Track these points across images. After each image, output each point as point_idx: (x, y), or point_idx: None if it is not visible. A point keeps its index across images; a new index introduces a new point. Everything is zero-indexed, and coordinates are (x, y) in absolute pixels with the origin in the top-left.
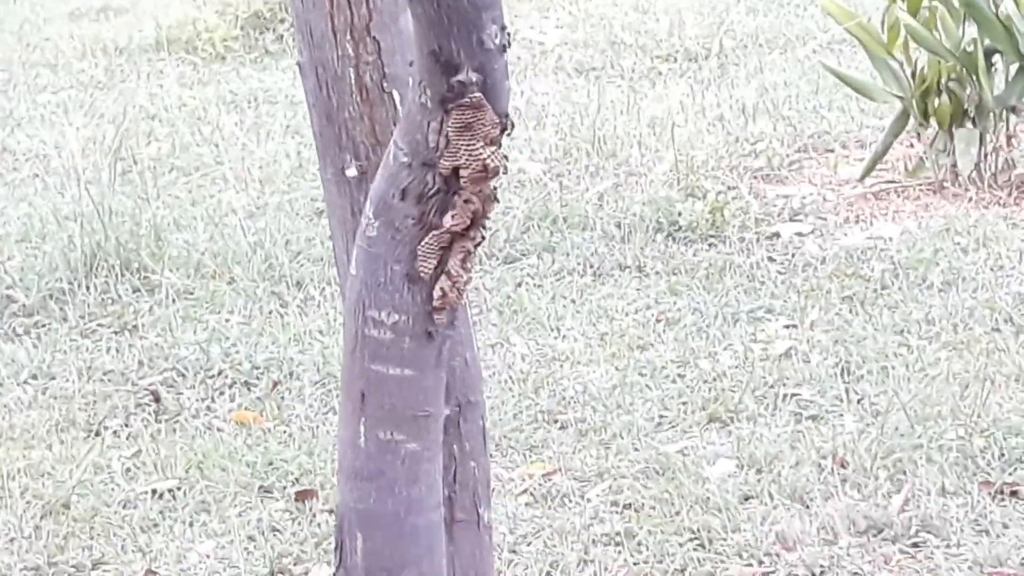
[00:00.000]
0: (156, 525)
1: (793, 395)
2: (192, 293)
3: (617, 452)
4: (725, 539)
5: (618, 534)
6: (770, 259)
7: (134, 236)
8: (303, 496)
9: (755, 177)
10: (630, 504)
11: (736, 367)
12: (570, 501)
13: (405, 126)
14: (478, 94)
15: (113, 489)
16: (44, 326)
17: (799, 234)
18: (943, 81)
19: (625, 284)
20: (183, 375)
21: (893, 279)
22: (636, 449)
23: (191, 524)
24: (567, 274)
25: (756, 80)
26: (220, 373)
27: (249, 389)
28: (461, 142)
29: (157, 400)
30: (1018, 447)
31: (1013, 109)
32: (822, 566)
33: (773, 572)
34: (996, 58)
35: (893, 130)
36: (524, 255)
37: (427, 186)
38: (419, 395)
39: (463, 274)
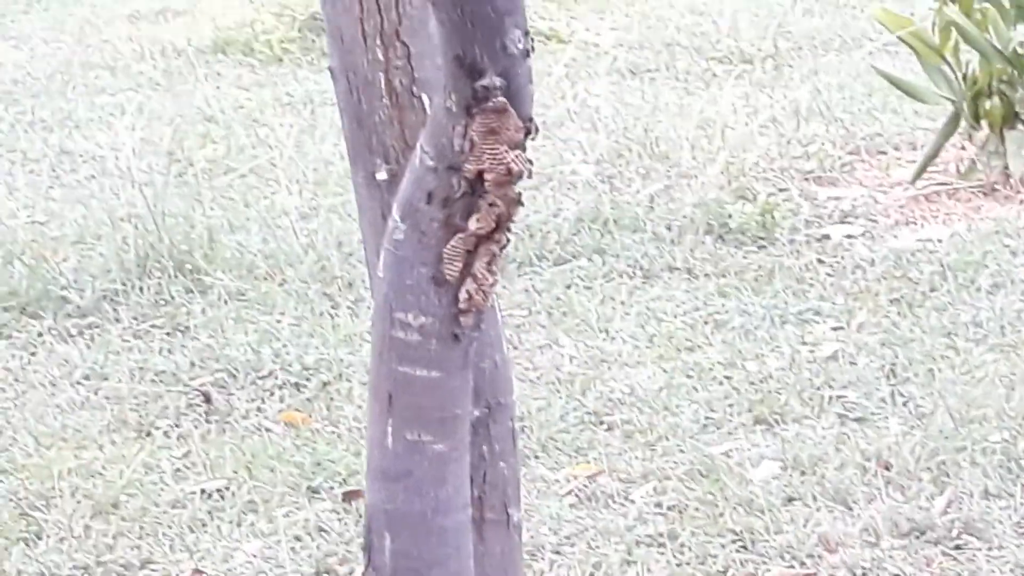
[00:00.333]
0: (204, 525)
1: (839, 397)
2: (244, 294)
3: (662, 454)
4: (767, 541)
5: (661, 535)
6: (819, 261)
7: (187, 238)
8: (350, 496)
9: (806, 179)
10: (674, 506)
11: (783, 369)
12: (614, 502)
13: (431, 130)
14: (502, 99)
15: (162, 489)
16: (97, 327)
17: (849, 236)
18: (994, 83)
19: (674, 286)
20: (234, 376)
21: (942, 281)
22: (681, 451)
23: (239, 524)
24: (617, 276)
25: (810, 82)
26: (270, 374)
27: (299, 390)
28: (485, 146)
29: (208, 401)
30: None
31: None
32: (864, 568)
33: (815, 574)
34: None
35: (944, 132)
36: (574, 257)
37: (452, 190)
38: (446, 396)
39: (489, 277)
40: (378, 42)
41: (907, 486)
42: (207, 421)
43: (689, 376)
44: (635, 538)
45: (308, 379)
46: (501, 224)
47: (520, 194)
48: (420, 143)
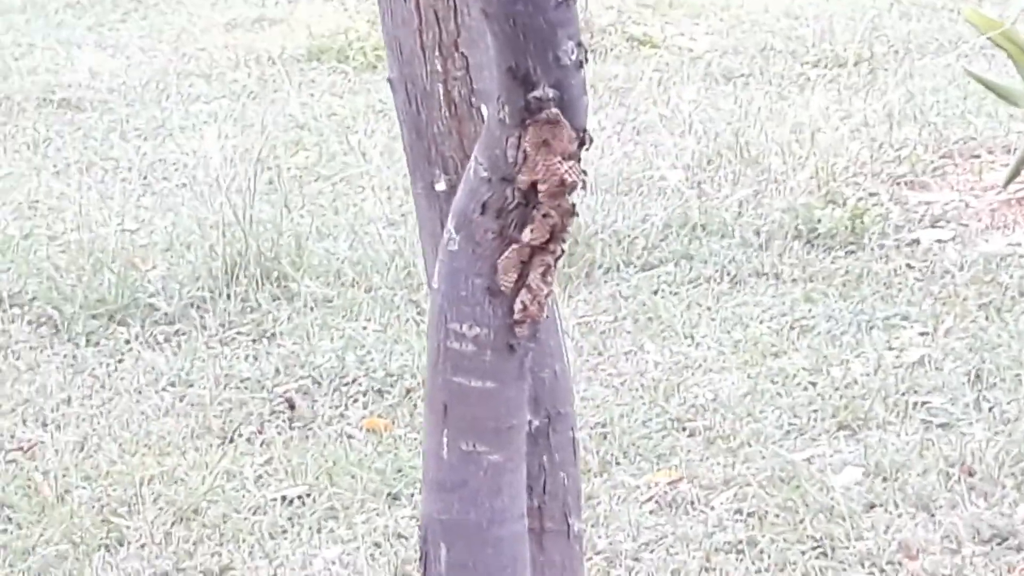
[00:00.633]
0: (284, 531)
1: (924, 403)
2: (331, 301)
3: (744, 460)
4: (848, 547)
5: (740, 542)
6: (908, 266)
7: (275, 245)
8: None
9: (897, 183)
10: (754, 512)
11: (868, 375)
12: (694, 509)
13: (485, 141)
14: (555, 110)
15: (244, 495)
16: (184, 334)
17: (939, 241)
18: None
19: (761, 291)
20: (318, 383)
21: None
22: (763, 457)
23: (319, 530)
24: (704, 281)
25: (904, 86)
26: (354, 381)
27: (382, 396)
28: (539, 157)
29: (292, 408)
30: None
31: None
32: (944, 575)
33: None
34: None
35: None
36: (662, 262)
37: (506, 200)
38: (501, 407)
39: (543, 288)
40: (437, 53)
41: (990, 492)
42: (290, 427)
43: (773, 382)
44: (714, 545)
45: (392, 385)
46: (555, 235)
47: (574, 205)
48: (474, 154)
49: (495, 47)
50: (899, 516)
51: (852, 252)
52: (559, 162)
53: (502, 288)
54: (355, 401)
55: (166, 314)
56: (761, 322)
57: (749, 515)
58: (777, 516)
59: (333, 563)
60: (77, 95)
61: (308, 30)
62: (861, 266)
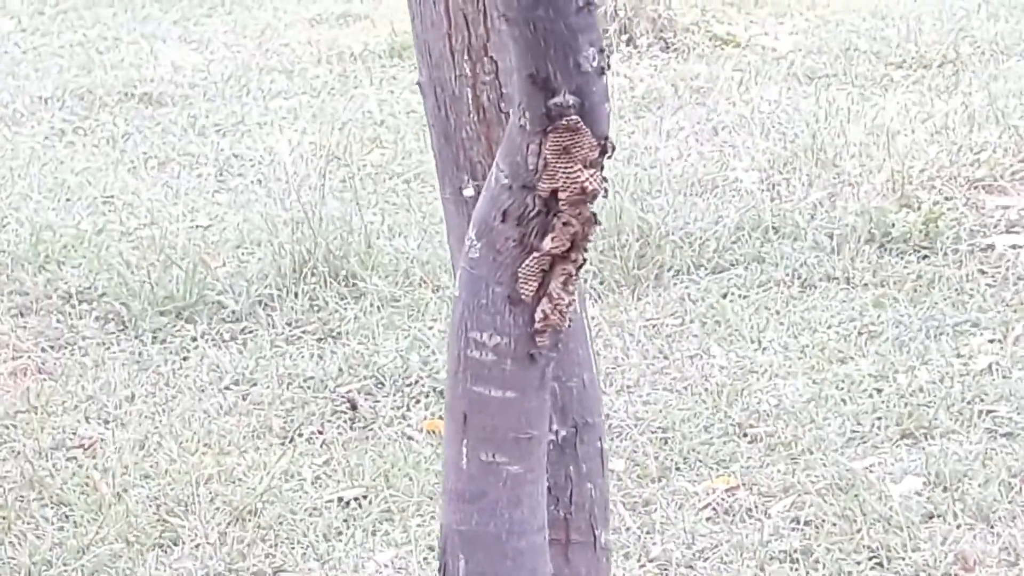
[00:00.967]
0: (339, 533)
1: (989, 412)
2: (397, 301)
3: (804, 467)
4: (904, 558)
5: (796, 551)
6: (981, 271)
7: (345, 243)
8: None
9: (974, 187)
10: (811, 521)
11: (934, 382)
12: (751, 516)
13: (506, 148)
14: (575, 117)
15: (301, 496)
16: (251, 332)
17: (1014, 246)
18: None
19: (831, 296)
20: (381, 384)
21: None
22: (823, 465)
23: (373, 532)
24: (774, 285)
25: (988, 88)
26: (417, 381)
27: (444, 398)
28: (559, 164)
29: (354, 408)
30: None
31: None
32: None
33: None
34: None
35: None
36: (732, 265)
37: (527, 208)
38: (521, 417)
39: (565, 297)
40: (466, 57)
41: None
42: (351, 428)
43: (839, 388)
44: (769, 554)
45: None
46: (576, 244)
47: (595, 214)
48: (496, 160)
49: (515, 52)
50: (958, 527)
51: (925, 257)
52: (580, 170)
53: (523, 297)
54: (417, 402)
55: (233, 312)
56: (829, 327)
57: (806, 524)
58: (834, 525)
59: (385, 566)
60: (158, 90)
61: (391, 27)
62: (933, 271)
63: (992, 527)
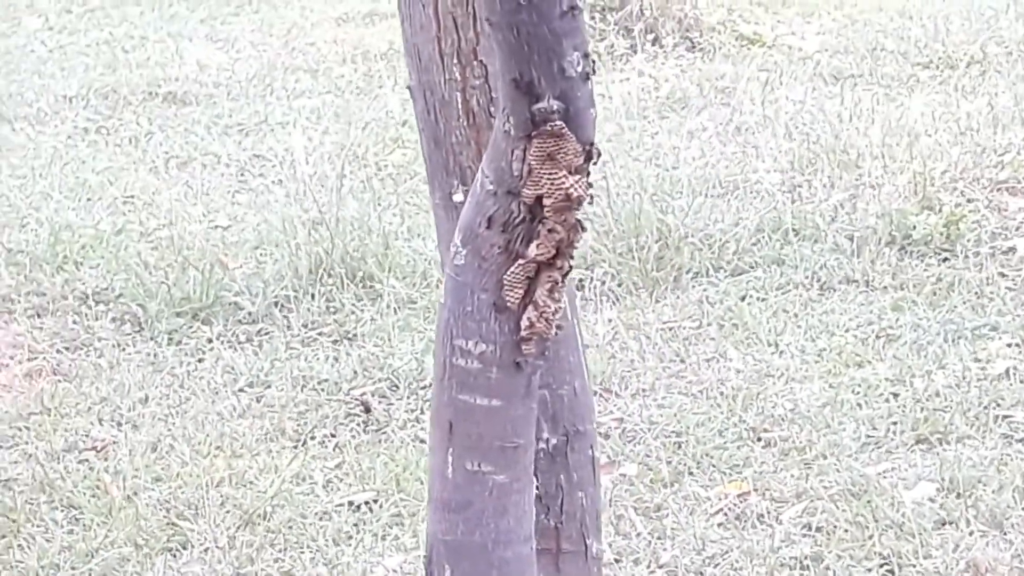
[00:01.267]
0: (349, 537)
1: (1006, 417)
2: (414, 302)
3: (818, 473)
4: (915, 565)
5: (806, 558)
6: (1001, 275)
7: (363, 244)
8: None
9: (997, 189)
10: (822, 527)
11: (951, 387)
12: (762, 522)
13: (491, 154)
14: (559, 122)
15: (312, 500)
16: (267, 334)
17: None
18: None
19: (850, 298)
20: (395, 386)
21: None
22: (837, 470)
23: (383, 537)
24: (793, 287)
25: (1015, 89)
26: (431, 385)
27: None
28: (544, 170)
29: (367, 411)
30: None
31: None
32: None
33: None
34: None
35: None
36: (752, 267)
37: (512, 215)
38: (507, 426)
39: (551, 304)
40: (455, 61)
41: None
42: (364, 431)
43: (855, 392)
44: (779, 560)
45: None
46: (562, 251)
47: (579, 221)
48: (481, 166)
49: (500, 57)
50: (970, 534)
51: (945, 259)
52: (565, 176)
53: (508, 304)
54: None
55: (250, 313)
56: (847, 330)
57: (817, 530)
58: (846, 531)
59: (394, 571)
60: (183, 89)
61: None
62: (953, 274)
63: (1005, 534)
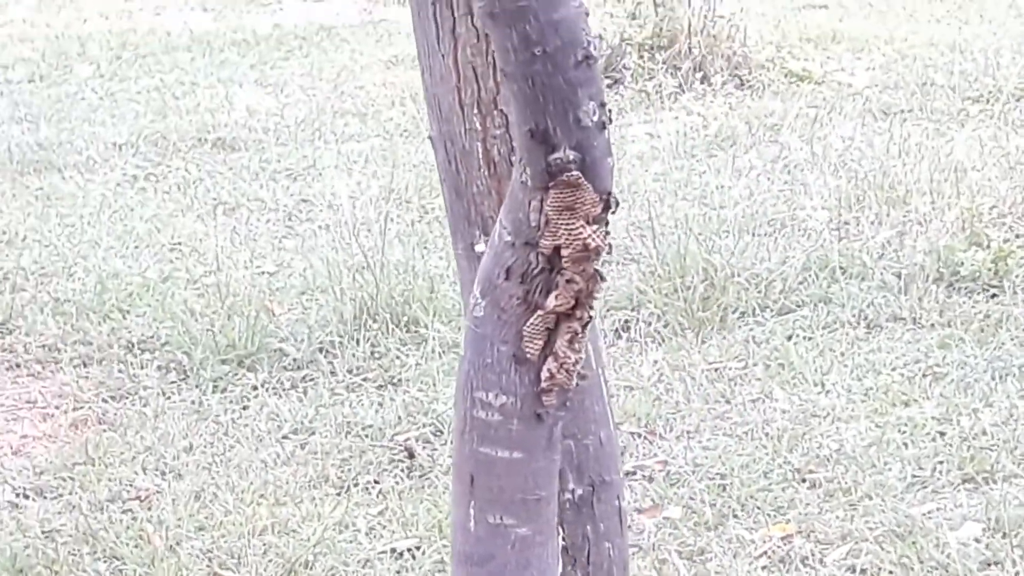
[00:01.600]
0: None
1: None
2: (459, 346)
3: (863, 514)
4: None
5: None
6: None
7: (408, 288)
8: None
9: None
10: (866, 569)
11: (997, 425)
12: (806, 565)
13: (509, 204)
14: (576, 172)
15: (355, 547)
16: (311, 380)
17: None
18: None
19: (897, 336)
20: (439, 432)
21: None
22: (882, 511)
23: None
24: (840, 326)
25: None
26: None
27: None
28: (561, 221)
29: (411, 456)
30: None
31: None
32: None
33: None
34: None
35: None
36: (799, 306)
37: (530, 266)
38: (529, 478)
39: (571, 355)
40: (476, 111)
41: None
42: (408, 477)
43: (901, 431)
44: None
45: None
46: (581, 301)
47: (597, 272)
48: (499, 217)
49: (515, 107)
50: (1016, 574)
51: (993, 296)
52: (582, 226)
53: (528, 356)
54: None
55: (295, 360)
56: (894, 369)
57: (861, 572)
58: (890, 573)
59: None
60: (232, 135)
61: None
62: (1001, 311)
63: None
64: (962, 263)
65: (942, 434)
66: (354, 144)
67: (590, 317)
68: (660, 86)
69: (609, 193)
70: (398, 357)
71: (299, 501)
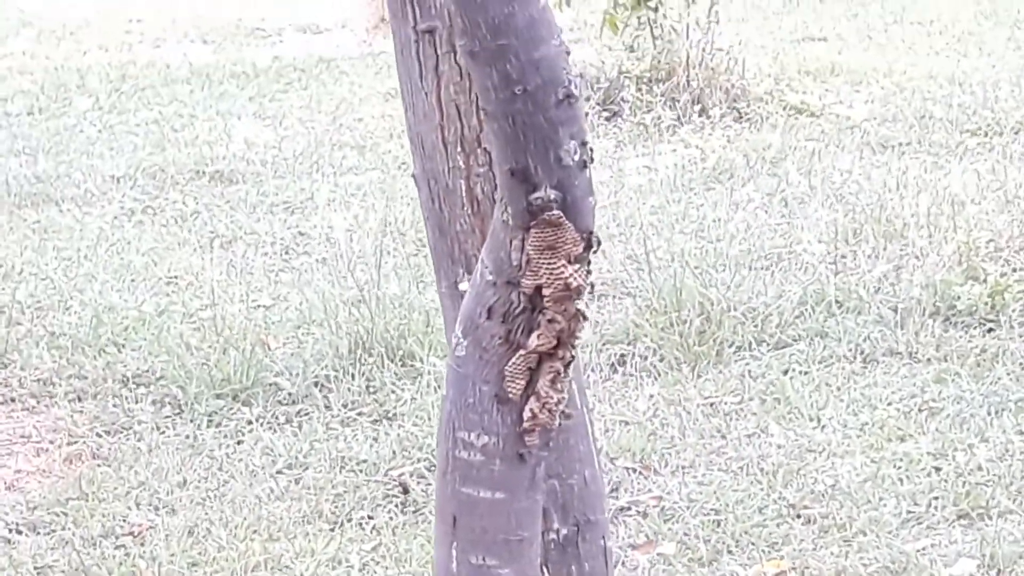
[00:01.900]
0: None
1: None
2: None
3: (858, 550)
4: None
5: None
6: None
7: (403, 322)
8: None
9: None
10: None
11: (993, 460)
12: None
13: (490, 243)
14: (557, 212)
15: None
16: (306, 414)
17: None
18: None
19: (893, 371)
20: (433, 467)
21: None
22: (877, 547)
23: None
24: (836, 360)
25: None
26: None
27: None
28: (543, 260)
29: (405, 492)
30: None
31: None
32: None
33: None
34: None
35: None
36: (795, 340)
37: (512, 305)
38: (511, 519)
39: (553, 395)
40: (459, 149)
41: None
42: (402, 512)
43: (897, 467)
44: None
45: None
46: (563, 341)
47: (579, 311)
48: (481, 256)
49: (496, 146)
50: None
51: (990, 330)
52: (564, 266)
53: (510, 395)
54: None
55: (290, 394)
56: (890, 404)
57: None
58: None
59: None
60: (230, 168)
61: None
62: (998, 345)
63: None
64: (959, 297)
65: (937, 469)
66: (352, 177)
67: (572, 356)
68: (658, 119)
69: (591, 232)
70: (393, 391)
71: (293, 537)
